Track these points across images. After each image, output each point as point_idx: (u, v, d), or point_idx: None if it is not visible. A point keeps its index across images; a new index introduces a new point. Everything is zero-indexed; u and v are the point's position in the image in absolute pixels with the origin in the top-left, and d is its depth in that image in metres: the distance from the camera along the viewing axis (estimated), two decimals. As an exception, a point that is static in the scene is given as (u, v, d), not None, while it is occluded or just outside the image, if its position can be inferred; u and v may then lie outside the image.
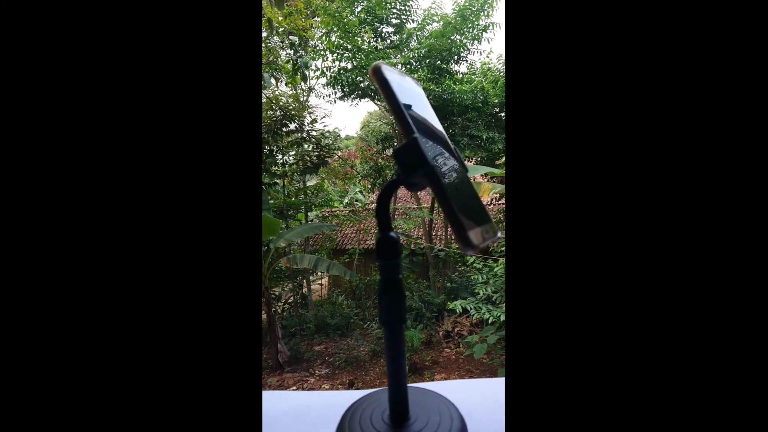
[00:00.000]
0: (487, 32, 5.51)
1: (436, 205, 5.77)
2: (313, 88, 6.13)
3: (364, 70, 5.08)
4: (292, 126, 5.55)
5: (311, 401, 0.41)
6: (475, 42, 5.54)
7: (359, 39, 5.25)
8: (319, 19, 5.30)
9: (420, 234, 6.23)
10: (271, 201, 5.57)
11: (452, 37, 5.37)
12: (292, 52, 4.38)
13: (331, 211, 6.93)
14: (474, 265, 4.13)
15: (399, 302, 0.33)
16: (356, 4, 5.48)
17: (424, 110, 0.34)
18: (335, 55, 5.39)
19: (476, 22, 5.38)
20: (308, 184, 6.38)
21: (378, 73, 0.29)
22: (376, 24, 5.62)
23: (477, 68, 5.88)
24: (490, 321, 3.14)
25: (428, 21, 5.67)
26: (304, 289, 6.11)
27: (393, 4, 5.52)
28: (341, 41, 5.25)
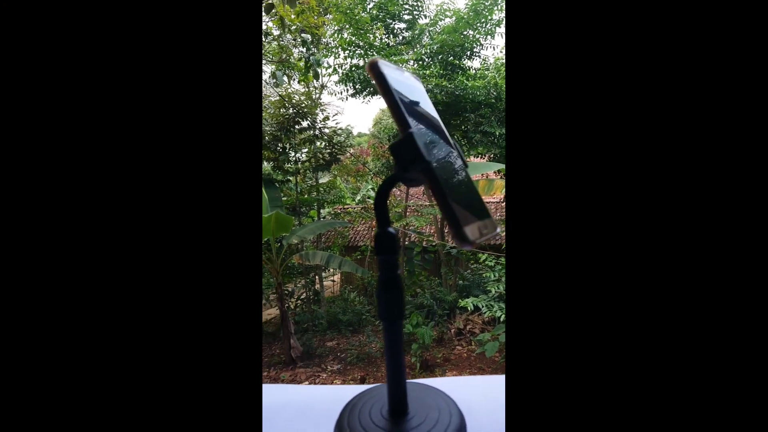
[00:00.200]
0: (500, 27, 5.43)
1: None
2: (326, 86, 6.16)
3: (376, 67, 5.06)
4: (305, 123, 5.58)
5: (312, 395, 0.41)
6: (489, 37, 5.47)
7: (371, 36, 5.24)
8: (331, 16, 5.31)
9: (432, 231, 6.21)
10: (284, 198, 5.63)
11: (465, 33, 5.32)
12: (304, 49, 4.40)
13: (344, 208, 6.96)
14: (486, 262, 4.10)
15: (398, 298, 0.33)
16: (368, 0, 5.47)
17: (423, 105, 0.34)
18: (347, 52, 5.39)
19: (489, 17, 5.30)
20: (321, 181, 6.42)
21: (375, 69, 0.29)
22: (388, 20, 5.60)
23: (490, 64, 5.80)
24: (502, 319, 3.12)
25: (441, 16, 5.62)
26: (317, 286, 6.16)
27: (405, 0, 5.49)
28: (353, 38, 5.25)
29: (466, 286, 5.28)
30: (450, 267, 5.49)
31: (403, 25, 5.75)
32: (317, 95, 6.08)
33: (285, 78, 5.10)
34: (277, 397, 0.41)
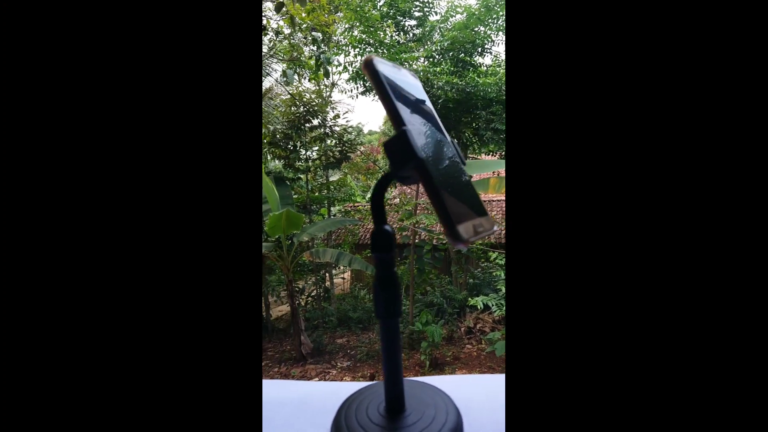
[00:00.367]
0: (512, 23, 5.35)
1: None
2: (336, 84, 6.18)
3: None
4: (315, 122, 5.60)
5: (311, 391, 0.42)
6: (500, 33, 5.40)
7: (381, 33, 5.23)
8: (341, 14, 5.31)
9: (442, 229, 6.17)
10: (295, 196, 5.67)
11: (476, 29, 5.27)
12: (315, 48, 4.41)
13: (354, 206, 6.98)
14: (497, 261, 4.07)
15: (394, 296, 0.33)
16: (379, -3, 5.46)
17: (420, 103, 0.34)
18: (357, 50, 5.39)
19: (501, 13, 5.24)
20: (331, 179, 6.44)
21: (369, 66, 0.29)
22: (399, 17, 5.58)
23: (502, 60, 5.74)
24: (512, 318, 3.10)
25: (451, 13, 5.58)
26: (327, 283, 6.20)
27: (416, -4, 5.47)
28: (363, 36, 5.25)
29: (476, 284, 5.25)
30: (460, 265, 5.47)
31: (413, 22, 5.73)
32: (328, 93, 6.10)
33: (295, 76, 5.12)
34: (277, 393, 0.41)
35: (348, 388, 0.40)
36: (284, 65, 5.35)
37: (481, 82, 4.98)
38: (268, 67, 6.17)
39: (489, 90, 5.05)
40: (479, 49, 5.47)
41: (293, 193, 5.58)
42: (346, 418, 0.35)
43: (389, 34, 5.37)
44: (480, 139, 5.40)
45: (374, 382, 0.40)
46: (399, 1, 5.40)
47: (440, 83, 4.84)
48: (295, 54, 5.14)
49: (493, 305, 3.27)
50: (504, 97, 5.14)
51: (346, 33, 5.47)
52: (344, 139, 5.81)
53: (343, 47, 5.50)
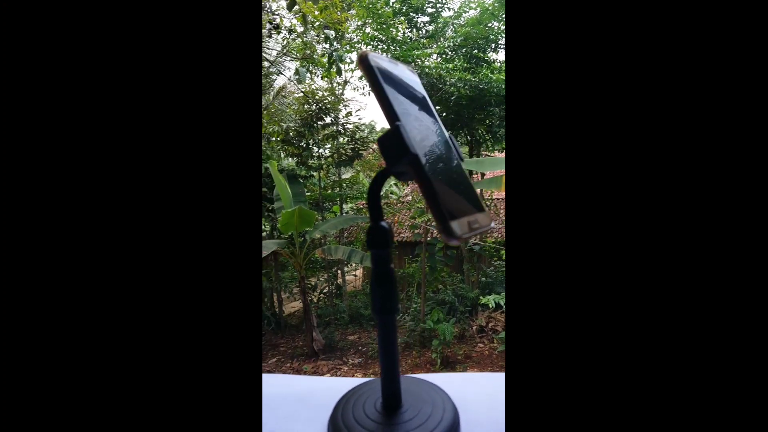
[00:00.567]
0: (527, 17, 5.27)
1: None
2: (348, 81, 6.18)
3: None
4: (328, 119, 5.63)
5: (311, 386, 0.42)
6: (515, 28, 5.32)
7: (394, 30, 5.21)
8: (354, 11, 5.31)
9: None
10: (308, 193, 5.71)
11: (490, 24, 5.20)
12: (327, 45, 4.42)
13: (366, 204, 6.98)
14: (509, 259, 4.02)
15: (390, 292, 0.33)
16: (391, -6, 5.44)
17: (417, 98, 0.34)
18: (370, 47, 5.38)
19: (515, 8, 5.16)
20: (343, 176, 6.46)
21: (364, 62, 0.29)
22: (411, 14, 5.54)
23: (516, 56, 5.65)
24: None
25: (465, 8, 5.52)
26: (339, 280, 6.23)
27: (429, -8, 5.43)
28: (376, 33, 5.23)
29: (488, 283, 5.21)
30: (472, 263, 5.42)
31: (426, 19, 5.69)
32: (340, 91, 6.11)
33: (308, 74, 5.14)
34: (277, 388, 0.42)
35: (346, 383, 0.40)
36: (297, 63, 5.38)
37: (494, 78, 4.91)
38: (281, 66, 6.22)
39: (503, 86, 4.98)
40: (493, 45, 5.40)
41: (306, 190, 5.62)
42: (343, 413, 0.35)
43: (401, 31, 5.34)
44: (493, 137, 5.33)
45: (372, 378, 0.40)
46: (412, -3, 5.37)
47: (453, 80, 4.79)
48: (308, 52, 5.16)
49: (505, 304, 3.23)
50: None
51: (358, 30, 5.47)
52: (356, 136, 5.82)
53: (356, 44, 5.50)
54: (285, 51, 5.94)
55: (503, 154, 5.63)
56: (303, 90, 5.62)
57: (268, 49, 5.93)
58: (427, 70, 4.88)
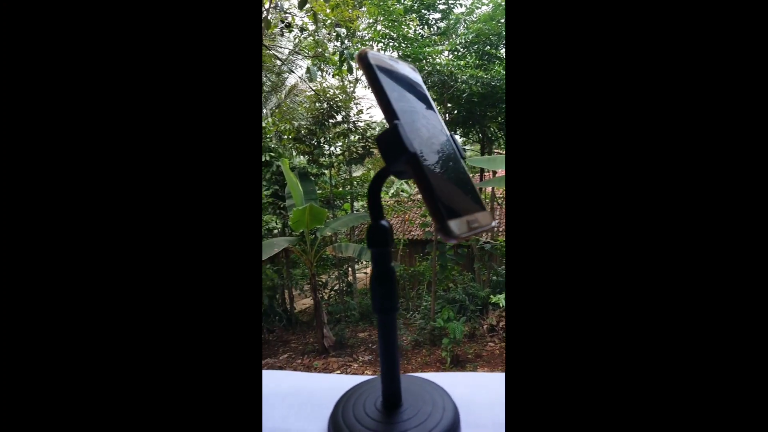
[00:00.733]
0: (540, 13, 5.19)
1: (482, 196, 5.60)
2: (359, 79, 6.18)
3: (410, 59, 5.01)
4: (339, 117, 5.64)
5: (311, 383, 0.42)
6: (528, 24, 5.25)
7: (405, 27, 5.18)
8: (365, 9, 5.31)
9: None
10: (319, 191, 5.74)
11: (502, 21, 5.14)
12: (338, 43, 4.43)
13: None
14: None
15: (390, 291, 0.33)
16: (403, -9, 5.41)
17: (418, 96, 0.33)
18: (381, 44, 5.37)
19: (529, 3, 5.08)
20: (354, 174, 6.48)
21: (363, 59, 0.29)
22: (423, 11, 5.51)
23: (529, 52, 5.57)
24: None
25: (477, 5, 5.46)
26: (350, 277, 6.26)
27: (441, -11, 5.39)
28: (387, 30, 5.22)
29: (499, 281, 5.17)
30: (483, 262, 5.39)
31: (437, 15, 5.64)
32: (351, 89, 6.12)
33: (319, 73, 5.16)
34: (277, 385, 0.42)
35: (347, 381, 0.40)
36: (309, 61, 5.40)
37: (507, 75, 4.85)
38: (292, 64, 6.25)
39: (515, 83, 4.91)
40: (505, 41, 5.33)
41: (317, 188, 5.65)
42: (343, 412, 0.35)
43: (413, 28, 5.31)
44: (506, 133, 5.28)
45: (372, 376, 0.40)
46: (423, -6, 5.34)
47: (464, 77, 4.75)
48: (319, 50, 5.18)
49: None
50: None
51: (369, 28, 5.46)
52: (367, 134, 5.83)
53: (367, 42, 5.49)
54: (296, 49, 5.97)
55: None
56: (314, 88, 5.64)
57: (280, 47, 5.96)
58: (438, 67, 4.85)
